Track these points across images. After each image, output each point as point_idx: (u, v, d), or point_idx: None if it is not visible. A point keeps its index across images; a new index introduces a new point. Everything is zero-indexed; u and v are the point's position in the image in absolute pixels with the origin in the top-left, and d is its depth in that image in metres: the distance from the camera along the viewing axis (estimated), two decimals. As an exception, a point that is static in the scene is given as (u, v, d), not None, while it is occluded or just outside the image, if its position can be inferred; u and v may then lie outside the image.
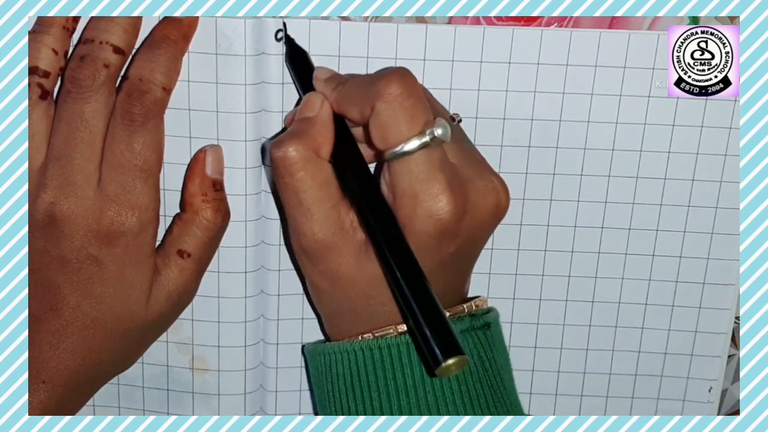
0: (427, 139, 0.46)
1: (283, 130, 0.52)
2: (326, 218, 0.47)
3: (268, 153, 0.50)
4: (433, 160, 0.46)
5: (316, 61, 0.51)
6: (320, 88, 0.49)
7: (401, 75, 0.47)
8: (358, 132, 0.49)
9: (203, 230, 0.51)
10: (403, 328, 0.48)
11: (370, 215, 0.47)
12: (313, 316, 0.56)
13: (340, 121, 0.49)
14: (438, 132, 0.46)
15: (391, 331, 0.48)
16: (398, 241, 0.46)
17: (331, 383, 0.50)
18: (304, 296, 0.56)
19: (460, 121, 0.51)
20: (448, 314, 0.46)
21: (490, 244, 0.56)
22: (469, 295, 0.53)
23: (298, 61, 0.51)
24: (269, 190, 0.53)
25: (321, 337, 0.56)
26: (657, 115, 0.53)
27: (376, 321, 0.49)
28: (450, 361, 0.43)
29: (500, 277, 0.56)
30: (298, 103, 0.51)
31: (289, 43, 0.51)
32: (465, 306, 0.50)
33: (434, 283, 0.46)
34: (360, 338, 0.49)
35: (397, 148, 0.46)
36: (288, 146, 0.47)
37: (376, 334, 0.48)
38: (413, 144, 0.46)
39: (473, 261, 0.51)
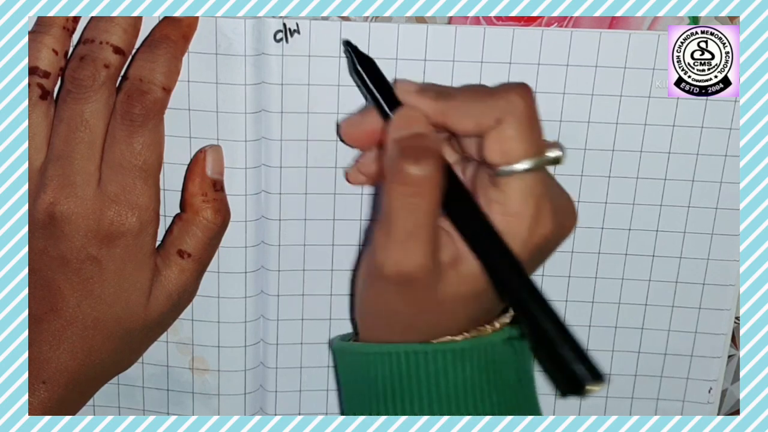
0: (548, 158, 0.46)
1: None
2: (435, 243, 0.46)
3: (393, 164, 0.45)
4: (547, 181, 0.47)
5: (316, 62, 0.51)
6: (414, 100, 0.47)
7: (528, 91, 0.46)
8: None
9: (203, 230, 0.51)
10: (461, 337, 0.48)
11: (487, 246, 0.46)
12: (314, 316, 0.56)
13: None
14: (557, 153, 0.46)
15: (446, 341, 0.48)
16: (520, 274, 0.45)
17: (367, 386, 0.49)
18: (304, 296, 0.55)
19: None
20: (498, 325, 0.48)
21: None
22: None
23: (368, 69, 0.49)
24: (269, 190, 0.53)
25: (321, 337, 0.56)
26: (657, 115, 0.53)
27: (434, 336, 0.48)
28: (593, 387, 0.44)
29: (500, 278, 0.56)
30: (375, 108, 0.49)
31: (355, 51, 0.49)
32: (509, 315, 0.50)
33: None
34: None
35: (517, 165, 0.45)
36: (430, 163, 0.44)
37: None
38: (533, 162, 0.45)
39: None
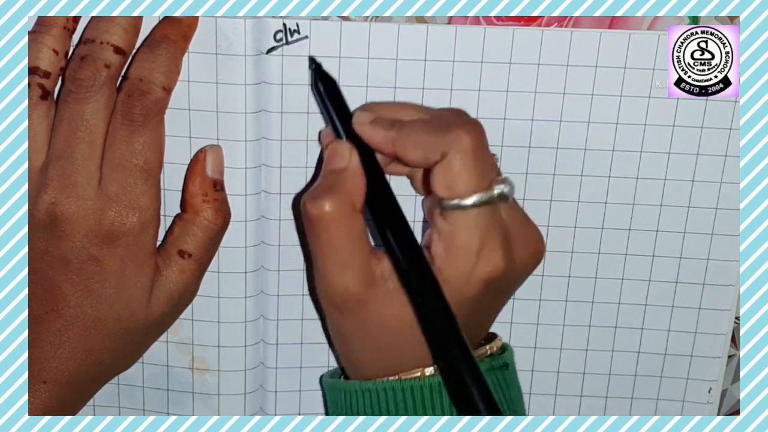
0: (494, 194, 0.46)
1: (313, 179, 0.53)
2: (360, 272, 0.47)
3: (301, 204, 0.48)
4: (495, 216, 0.47)
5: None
6: (368, 131, 0.48)
7: (477, 126, 0.47)
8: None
9: (204, 230, 0.51)
10: (430, 371, 0.48)
11: (409, 269, 0.47)
12: (314, 316, 0.56)
13: (376, 168, 0.48)
14: (505, 190, 0.46)
15: (418, 374, 0.48)
16: (437, 298, 0.46)
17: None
18: (304, 296, 0.56)
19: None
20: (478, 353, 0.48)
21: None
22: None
23: (329, 90, 0.50)
24: (269, 190, 0.53)
25: (321, 338, 0.56)
26: (657, 115, 0.53)
27: (401, 365, 0.49)
28: None
29: (500, 278, 0.56)
30: (335, 128, 0.50)
31: (318, 70, 0.50)
32: (488, 347, 0.50)
33: (467, 327, 0.46)
34: (385, 379, 0.49)
35: (464, 200, 0.46)
36: (324, 202, 0.46)
37: (403, 377, 0.48)
38: (479, 198, 0.46)
39: (504, 305, 0.52)
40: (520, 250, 0.48)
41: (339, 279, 0.47)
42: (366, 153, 0.48)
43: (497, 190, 0.46)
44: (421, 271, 0.46)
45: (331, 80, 0.50)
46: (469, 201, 0.46)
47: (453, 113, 0.49)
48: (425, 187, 0.49)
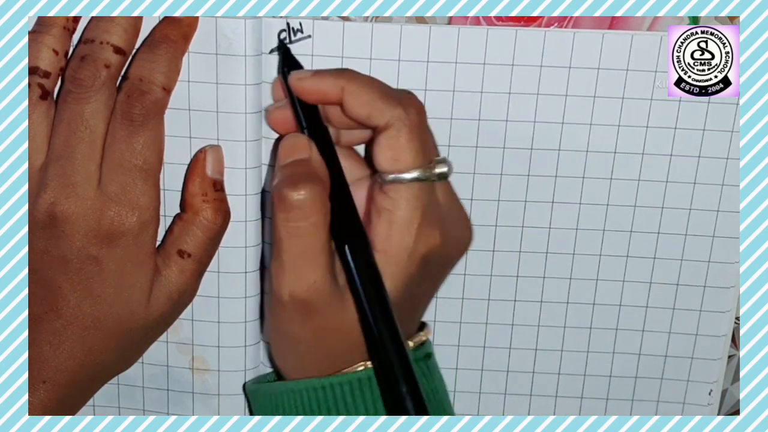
0: (434, 172, 0.47)
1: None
2: (328, 265, 0.47)
3: (276, 192, 0.47)
4: (433, 195, 0.47)
5: (317, 62, 0.51)
6: (312, 81, 0.48)
7: (421, 104, 0.47)
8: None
9: (204, 230, 0.51)
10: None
11: (361, 268, 0.46)
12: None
13: (336, 161, 0.48)
14: (444, 169, 0.47)
15: (362, 368, 0.48)
16: (380, 294, 0.46)
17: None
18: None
19: None
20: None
21: (491, 247, 0.56)
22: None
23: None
24: (269, 190, 0.53)
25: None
26: (659, 118, 0.53)
27: (343, 361, 0.49)
28: None
29: (501, 279, 0.56)
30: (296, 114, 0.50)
31: (287, 55, 0.50)
32: (422, 335, 0.50)
33: (407, 310, 0.47)
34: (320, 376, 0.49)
35: (405, 174, 0.46)
36: (305, 188, 0.46)
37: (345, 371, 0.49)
38: (420, 173, 0.46)
39: (436, 291, 0.52)
40: (456, 233, 0.49)
41: (310, 274, 0.46)
42: (324, 145, 0.48)
43: (438, 168, 0.47)
44: (374, 273, 0.46)
45: (300, 67, 0.50)
46: (410, 175, 0.46)
47: (397, 90, 0.49)
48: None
